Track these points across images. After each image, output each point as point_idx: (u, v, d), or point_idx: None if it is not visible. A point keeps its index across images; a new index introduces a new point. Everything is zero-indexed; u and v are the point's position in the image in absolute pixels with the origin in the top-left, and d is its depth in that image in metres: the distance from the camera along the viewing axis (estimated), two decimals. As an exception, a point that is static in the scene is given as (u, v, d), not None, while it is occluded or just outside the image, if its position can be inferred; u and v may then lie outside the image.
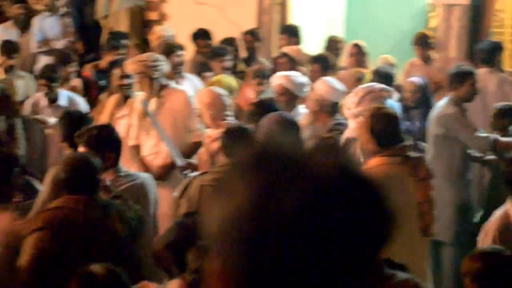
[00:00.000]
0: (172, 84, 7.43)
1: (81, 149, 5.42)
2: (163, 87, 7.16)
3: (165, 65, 7.26)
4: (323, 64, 8.85)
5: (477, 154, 7.43)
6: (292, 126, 5.99)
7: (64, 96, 8.44)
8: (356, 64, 9.17)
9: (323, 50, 10.03)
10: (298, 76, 7.30)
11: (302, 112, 7.00)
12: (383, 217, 1.44)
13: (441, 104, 7.42)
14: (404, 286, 2.30)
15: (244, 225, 1.36)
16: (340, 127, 6.53)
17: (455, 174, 7.28)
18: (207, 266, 1.44)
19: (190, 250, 4.00)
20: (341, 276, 1.37)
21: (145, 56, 7.41)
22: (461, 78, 7.36)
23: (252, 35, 10.28)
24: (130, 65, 7.26)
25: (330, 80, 7.08)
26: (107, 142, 5.46)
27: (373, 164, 5.32)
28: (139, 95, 7.32)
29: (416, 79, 8.38)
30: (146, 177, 5.74)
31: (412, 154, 5.38)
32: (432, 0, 10.82)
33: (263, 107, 6.33)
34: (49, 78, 8.38)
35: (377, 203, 1.43)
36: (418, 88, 8.21)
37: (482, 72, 8.62)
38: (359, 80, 7.92)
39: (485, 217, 6.15)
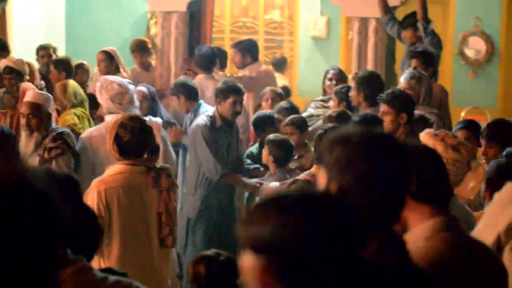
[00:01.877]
0: None
1: None
2: None
3: None
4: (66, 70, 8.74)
5: None
6: (7, 137, 5.93)
7: None
8: (105, 72, 8.90)
9: (36, 58, 9.90)
10: None
11: None
12: (55, 225, 1.58)
13: (203, 114, 7.43)
14: (116, 286, 2.38)
15: None
16: (63, 136, 6.48)
17: (196, 187, 7.34)
18: None
19: None
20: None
21: None
22: (225, 94, 7.29)
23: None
24: None
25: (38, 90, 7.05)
26: None
27: (114, 171, 5.32)
28: None
29: (142, 88, 7.86)
30: None
31: (157, 165, 5.43)
32: (151, 7, 10.96)
33: None
34: None
35: (50, 214, 1.57)
36: (145, 97, 7.71)
37: (200, 78, 8.87)
38: (65, 91, 7.71)
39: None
